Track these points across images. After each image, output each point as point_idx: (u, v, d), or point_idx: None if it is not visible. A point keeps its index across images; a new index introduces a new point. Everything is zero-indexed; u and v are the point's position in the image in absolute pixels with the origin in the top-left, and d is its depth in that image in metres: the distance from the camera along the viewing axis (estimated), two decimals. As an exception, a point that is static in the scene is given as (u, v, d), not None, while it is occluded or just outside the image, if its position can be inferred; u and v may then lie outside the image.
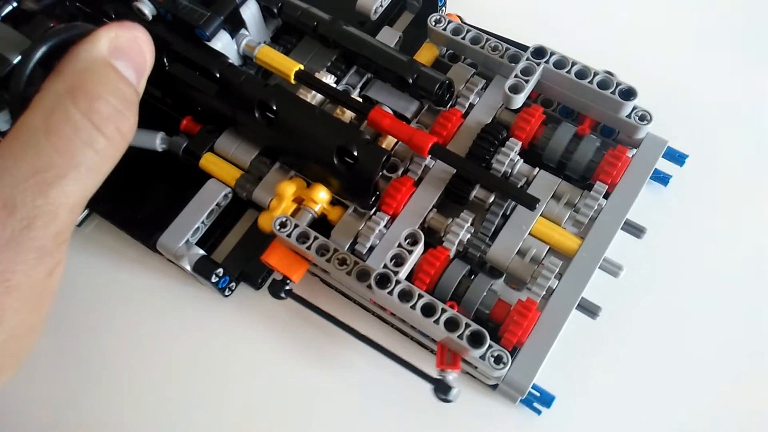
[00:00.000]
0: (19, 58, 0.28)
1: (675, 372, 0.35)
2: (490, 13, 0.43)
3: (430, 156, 0.34)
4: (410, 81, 0.36)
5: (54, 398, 0.36)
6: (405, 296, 0.30)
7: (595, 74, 0.34)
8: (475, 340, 0.29)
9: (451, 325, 0.29)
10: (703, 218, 0.39)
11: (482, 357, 0.30)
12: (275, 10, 0.38)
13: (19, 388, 0.36)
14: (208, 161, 0.37)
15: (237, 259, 0.38)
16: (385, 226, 0.34)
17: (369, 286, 0.31)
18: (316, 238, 0.33)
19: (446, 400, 0.31)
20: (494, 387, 0.34)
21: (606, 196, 0.34)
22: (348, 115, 0.37)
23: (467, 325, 0.29)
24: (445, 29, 0.38)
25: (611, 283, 0.34)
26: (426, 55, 0.40)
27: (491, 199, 0.35)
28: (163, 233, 0.35)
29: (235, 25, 0.37)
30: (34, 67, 0.26)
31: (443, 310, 0.30)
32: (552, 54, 0.35)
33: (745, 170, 0.40)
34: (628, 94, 0.34)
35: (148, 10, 0.35)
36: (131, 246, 0.39)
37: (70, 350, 0.37)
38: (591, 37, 0.45)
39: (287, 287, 0.34)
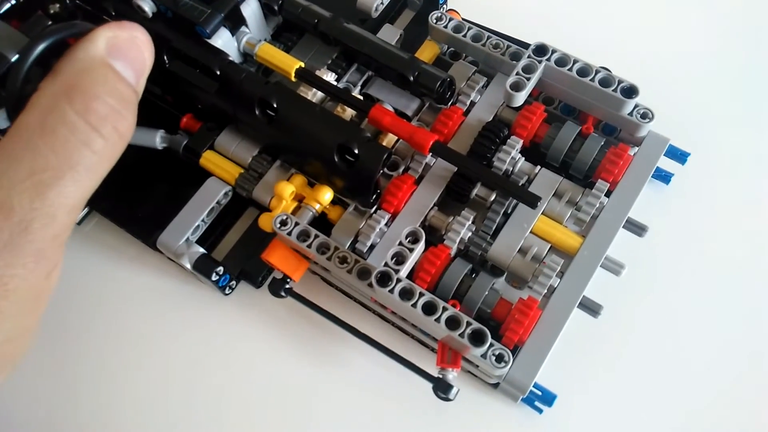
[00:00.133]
0: (17, 56, 0.27)
1: (676, 371, 0.35)
2: (490, 11, 0.43)
3: (431, 154, 0.34)
4: (411, 79, 0.36)
5: (53, 396, 0.36)
6: (406, 294, 0.30)
7: (597, 72, 0.34)
8: (477, 339, 0.29)
9: (452, 323, 0.29)
10: (704, 216, 0.39)
11: (483, 355, 0.30)
12: (276, 8, 0.38)
13: (18, 386, 0.36)
14: (209, 159, 0.37)
15: (237, 257, 0.37)
16: (385, 225, 0.34)
17: (370, 285, 0.31)
18: (316, 236, 0.33)
19: (446, 399, 0.31)
20: (495, 386, 0.34)
21: (607, 195, 0.34)
22: (349, 113, 0.37)
23: (468, 324, 0.29)
24: (446, 27, 0.38)
25: (613, 281, 0.34)
26: (427, 52, 0.40)
27: (492, 198, 0.35)
28: (163, 231, 0.35)
29: (235, 22, 0.37)
30: (31, 66, 0.26)
31: (444, 309, 0.30)
32: (553, 52, 0.35)
33: (746, 168, 0.40)
34: (630, 91, 0.34)
35: (148, 7, 0.35)
36: (131, 244, 0.39)
37: (69, 348, 0.37)
38: (592, 34, 0.45)
39: (287, 286, 0.34)
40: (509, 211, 0.35)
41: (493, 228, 0.34)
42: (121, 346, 0.37)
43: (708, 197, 0.40)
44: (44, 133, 0.23)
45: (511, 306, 0.32)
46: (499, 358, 0.30)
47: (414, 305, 0.30)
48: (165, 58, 0.36)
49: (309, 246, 0.33)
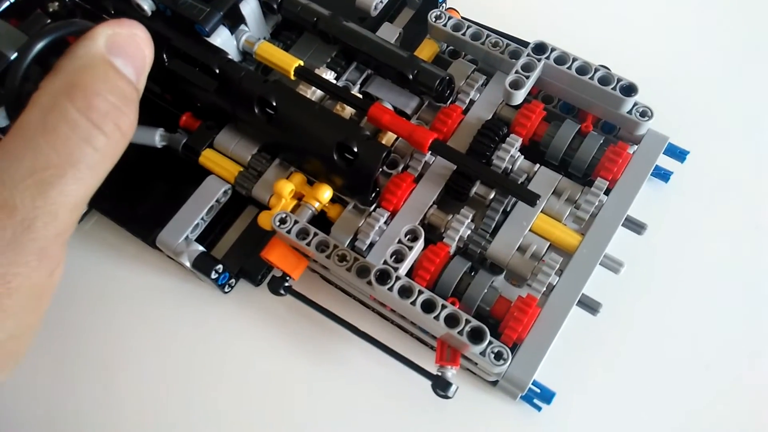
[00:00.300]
0: (16, 54, 0.27)
1: (675, 369, 0.35)
2: (489, 9, 0.43)
3: (430, 152, 0.34)
4: (410, 77, 0.36)
5: (53, 394, 0.36)
6: (405, 292, 0.30)
7: (596, 70, 0.34)
8: (475, 336, 0.29)
9: (451, 321, 0.29)
10: (703, 215, 0.39)
11: (482, 353, 0.30)
12: (275, 6, 0.38)
13: (18, 384, 0.36)
14: (208, 157, 0.37)
15: (237, 255, 0.37)
16: (385, 223, 0.34)
17: (369, 283, 0.31)
18: (316, 234, 0.33)
19: (445, 396, 0.31)
20: (494, 383, 0.34)
21: (607, 193, 0.34)
22: (348, 111, 0.37)
23: (467, 321, 0.29)
24: (445, 25, 0.38)
25: (612, 279, 0.34)
26: (426, 51, 0.40)
27: (492, 196, 0.35)
28: (162, 230, 0.35)
29: (234, 20, 0.37)
30: (30, 64, 0.26)
31: (443, 306, 0.30)
32: (553, 50, 0.35)
33: (745, 166, 0.40)
34: (629, 90, 0.34)
35: (147, 5, 0.35)
36: (131, 242, 0.39)
37: (69, 346, 0.37)
38: (592, 33, 0.45)
39: (287, 284, 0.34)
40: (508, 209, 0.35)
41: (493, 226, 0.34)
42: (121, 344, 0.37)
43: (707, 195, 0.40)
44: (45, 131, 0.23)
45: (510, 304, 0.32)
46: (498, 356, 0.30)
47: (413, 303, 0.30)
48: (164, 56, 0.36)
49: (308, 244, 0.33)
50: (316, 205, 0.35)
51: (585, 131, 0.36)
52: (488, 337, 0.29)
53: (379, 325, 0.36)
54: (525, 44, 0.36)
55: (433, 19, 0.38)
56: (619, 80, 0.34)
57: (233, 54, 0.37)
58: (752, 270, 0.38)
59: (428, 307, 0.30)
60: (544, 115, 0.36)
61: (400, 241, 0.32)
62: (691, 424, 0.34)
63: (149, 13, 0.35)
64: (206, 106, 0.37)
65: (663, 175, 0.39)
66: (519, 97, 0.34)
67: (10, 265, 0.22)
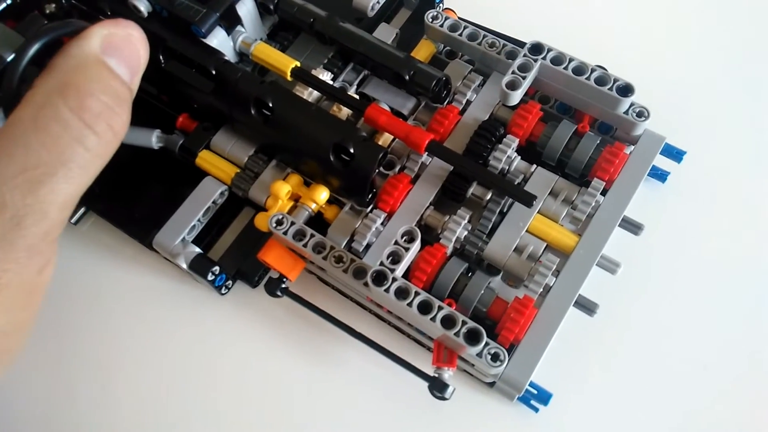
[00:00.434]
0: (13, 55, 0.27)
1: (672, 370, 0.35)
2: (486, 10, 0.43)
3: (426, 153, 0.34)
4: (407, 78, 0.36)
5: (49, 395, 0.36)
6: (401, 294, 0.30)
7: (593, 70, 0.34)
8: (472, 338, 0.29)
9: (448, 322, 0.29)
10: (700, 215, 0.39)
11: (479, 354, 0.30)
12: (271, 7, 0.38)
13: (14, 385, 0.36)
14: (204, 159, 0.37)
15: (233, 257, 0.37)
16: (381, 224, 0.34)
17: (365, 284, 0.31)
18: (312, 235, 0.33)
19: (442, 398, 0.31)
20: (491, 385, 0.34)
21: (603, 193, 0.34)
22: (345, 112, 0.37)
23: (464, 323, 0.29)
24: (442, 26, 0.38)
25: (608, 280, 0.34)
26: (423, 51, 0.40)
27: (488, 197, 0.35)
28: (159, 231, 0.35)
29: (231, 21, 0.37)
30: (27, 65, 0.26)
31: (440, 308, 0.29)
32: (549, 50, 0.35)
33: (742, 167, 0.40)
34: (626, 90, 0.34)
35: (143, 6, 0.35)
36: (127, 244, 0.39)
37: (66, 347, 0.37)
38: (588, 33, 0.45)
39: (283, 285, 0.34)
40: (505, 210, 0.35)
41: (489, 227, 0.34)
42: (118, 346, 0.37)
43: (704, 195, 0.40)
44: (37, 130, 0.23)
45: (507, 305, 0.32)
46: (495, 357, 0.30)
47: (409, 304, 0.30)
48: (161, 57, 0.36)
49: (305, 245, 0.33)
50: (313, 206, 0.35)
51: (582, 131, 0.36)
52: (485, 339, 0.29)
53: (376, 326, 0.36)
54: (521, 45, 0.36)
55: (430, 20, 0.38)
56: (615, 80, 0.34)
57: (230, 55, 0.37)
58: (749, 270, 0.38)
59: (425, 308, 0.30)
60: (540, 116, 0.36)
61: (396, 243, 0.32)
62: (688, 424, 0.34)
63: (145, 14, 0.35)
64: (203, 107, 0.37)
65: (660, 175, 0.39)
66: (516, 97, 0.34)
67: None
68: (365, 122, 0.35)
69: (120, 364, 0.37)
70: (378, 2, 0.41)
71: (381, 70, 0.37)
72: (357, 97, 0.37)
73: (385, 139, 0.36)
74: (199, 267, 0.35)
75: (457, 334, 0.29)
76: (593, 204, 0.34)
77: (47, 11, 0.37)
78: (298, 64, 0.36)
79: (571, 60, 0.34)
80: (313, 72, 0.37)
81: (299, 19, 0.38)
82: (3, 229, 0.22)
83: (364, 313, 0.37)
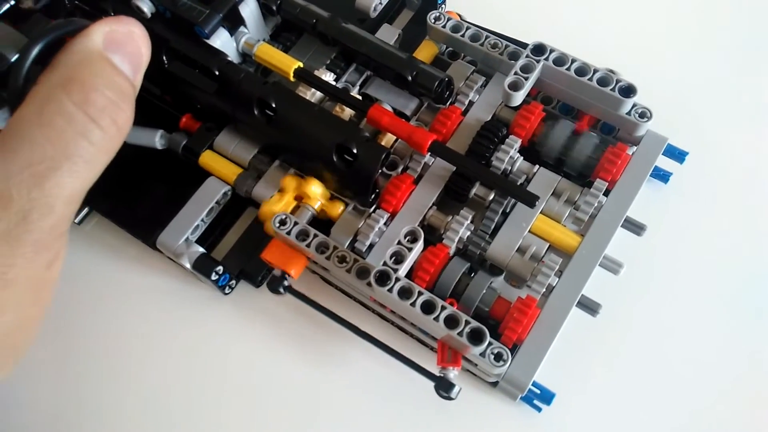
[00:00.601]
0: (17, 56, 0.27)
1: (675, 370, 0.35)
2: (489, 11, 0.43)
3: (429, 153, 0.34)
4: (409, 78, 0.36)
5: (53, 394, 0.36)
6: (404, 294, 0.30)
7: (595, 71, 0.34)
8: (475, 338, 0.29)
9: (451, 322, 0.29)
10: (703, 215, 0.39)
11: (482, 354, 0.30)
12: (274, 8, 0.38)
13: (18, 384, 0.36)
14: (208, 159, 0.37)
15: (237, 257, 0.38)
16: (384, 224, 0.34)
17: (369, 284, 0.31)
18: (315, 235, 0.33)
19: (448, 398, 0.31)
20: (494, 384, 0.34)
21: (606, 194, 0.34)
22: (347, 112, 0.37)
23: (467, 323, 0.29)
24: (444, 26, 0.38)
25: (611, 280, 0.34)
26: (425, 52, 0.40)
27: (491, 197, 0.35)
28: (162, 231, 0.35)
29: (234, 22, 0.37)
30: (31, 64, 0.26)
31: (443, 308, 0.30)
32: (552, 51, 0.35)
33: (744, 167, 0.40)
34: (628, 91, 0.34)
35: (146, 7, 0.35)
36: (131, 244, 0.39)
37: (70, 347, 0.37)
38: (591, 34, 0.45)
39: (286, 283, 0.34)
40: (508, 211, 0.35)
41: (492, 227, 0.34)
42: (122, 345, 0.37)
43: (706, 196, 0.40)
44: (41, 124, 0.23)
45: (510, 305, 0.32)
46: (498, 357, 0.30)
47: (413, 304, 0.30)
48: (164, 58, 0.36)
49: (308, 245, 0.33)
50: (316, 206, 0.35)
51: (580, 130, 0.36)
52: (488, 338, 0.29)
53: (380, 326, 0.36)
54: (524, 45, 0.36)
55: (432, 21, 0.38)
56: (618, 81, 0.34)
57: (233, 56, 0.37)
58: (751, 270, 0.38)
59: (428, 308, 0.30)
60: (543, 116, 0.36)
61: (399, 243, 0.32)
62: (691, 424, 0.34)
63: (149, 14, 0.35)
64: (206, 107, 0.37)
65: (662, 176, 0.39)
66: (518, 98, 0.34)
67: (5, 257, 0.22)
68: (368, 123, 0.35)
69: (124, 364, 0.37)
70: (380, 3, 0.41)
71: (383, 70, 0.37)
72: (360, 97, 0.37)
73: (387, 139, 0.36)
74: (202, 267, 0.35)
75: (460, 333, 0.29)
76: (596, 204, 0.34)
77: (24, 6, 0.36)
78: (301, 64, 0.36)
79: (573, 61, 0.34)
80: (316, 73, 0.37)
81: (302, 20, 0.38)
82: (9, 224, 0.22)
83: (367, 312, 0.37)
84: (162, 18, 0.36)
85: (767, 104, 0.42)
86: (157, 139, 0.38)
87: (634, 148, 0.36)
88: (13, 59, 0.28)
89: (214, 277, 0.36)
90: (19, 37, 0.30)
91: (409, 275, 0.33)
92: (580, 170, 0.35)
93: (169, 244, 0.35)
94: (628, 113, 0.35)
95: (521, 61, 0.35)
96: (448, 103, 0.37)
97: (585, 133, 0.36)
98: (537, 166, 0.35)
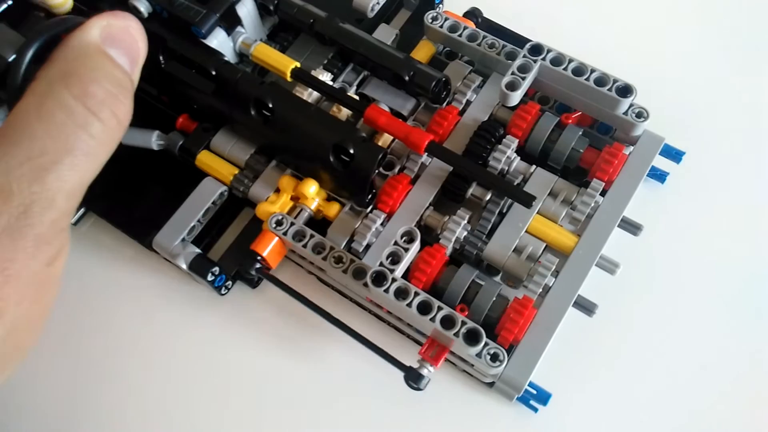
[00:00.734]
0: (14, 55, 0.27)
1: (672, 370, 0.35)
2: (490, 11, 0.43)
3: (426, 154, 0.34)
4: (406, 78, 0.36)
5: (50, 395, 0.36)
6: (401, 294, 0.30)
7: (592, 71, 0.34)
8: (471, 338, 0.29)
9: (447, 323, 0.29)
10: (700, 215, 0.39)
11: (478, 355, 0.30)
12: (271, 8, 0.38)
13: (17, 385, 0.36)
14: (204, 159, 0.37)
15: (233, 257, 0.37)
16: (381, 224, 0.34)
17: (365, 284, 0.31)
18: (312, 236, 0.33)
19: (417, 389, 0.31)
20: (491, 385, 0.34)
21: (603, 194, 0.34)
22: (344, 112, 0.37)
23: (463, 323, 0.29)
24: (441, 27, 0.38)
25: (608, 280, 0.34)
26: (423, 52, 0.40)
27: (488, 197, 0.35)
28: (159, 232, 0.35)
29: (231, 22, 0.37)
30: (29, 63, 0.26)
31: (439, 308, 0.30)
32: (549, 51, 0.35)
33: (741, 167, 0.40)
34: (625, 91, 0.34)
35: (143, 7, 0.35)
36: (127, 244, 0.39)
37: (66, 348, 0.37)
38: (588, 34, 0.45)
39: (257, 266, 0.34)
40: (504, 211, 0.35)
41: (489, 227, 0.34)
42: (118, 346, 0.37)
43: (703, 196, 0.40)
44: (41, 118, 0.23)
45: (507, 305, 0.32)
46: (494, 358, 0.30)
47: (409, 305, 0.30)
48: (161, 58, 0.36)
49: (304, 246, 0.33)
50: (313, 206, 0.35)
51: (564, 123, 0.36)
52: (484, 339, 0.29)
53: (375, 326, 0.36)
54: (521, 45, 0.36)
55: (430, 21, 0.38)
56: (615, 81, 0.34)
57: (230, 56, 0.37)
58: (749, 270, 0.38)
59: (424, 308, 0.30)
60: (540, 117, 0.36)
61: (396, 243, 0.32)
62: (688, 424, 0.34)
63: (146, 14, 0.35)
64: (203, 108, 0.37)
65: (659, 175, 0.39)
66: (515, 98, 0.34)
67: (6, 252, 0.22)
68: (365, 123, 0.35)
69: (120, 364, 0.37)
70: (378, 3, 0.41)
71: (381, 70, 0.37)
72: (357, 97, 0.37)
73: (384, 139, 0.36)
74: (198, 267, 0.35)
75: (456, 334, 0.29)
76: (592, 204, 0.34)
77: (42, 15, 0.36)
78: (298, 64, 0.36)
79: (570, 61, 0.35)
80: (313, 73, 0.37)
81: (299, 20, 0.38)
82: (10, 218, 0.22)
83: (363, 313, 0.37)
84: (159, 18, 0.36)
85: (764, 104, 0.42)
86: (153, 140, 0.38)
87: (631, 147, 0.36)
88: (10, 59, 0.28)
89: (210, 277, 0.35)
90: (17, 36, 0.30)
91: (405, 276, 0.33)
92: (563, 164, 0.35)
93: (165, 244, 0.35)
94: (625, 113, 0.35)
95: (518, 61, 0.35)
96: (445, 103, 0.37)
97: (569, 126, 0.36)
98: (534, 167, 0.35)
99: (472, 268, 0.33)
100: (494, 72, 0.38)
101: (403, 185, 0.35)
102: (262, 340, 0.37)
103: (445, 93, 0.37)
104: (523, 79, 0.34)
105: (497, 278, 0.35)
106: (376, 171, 0.34)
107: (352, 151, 0.33)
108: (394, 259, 0.31)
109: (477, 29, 0.38)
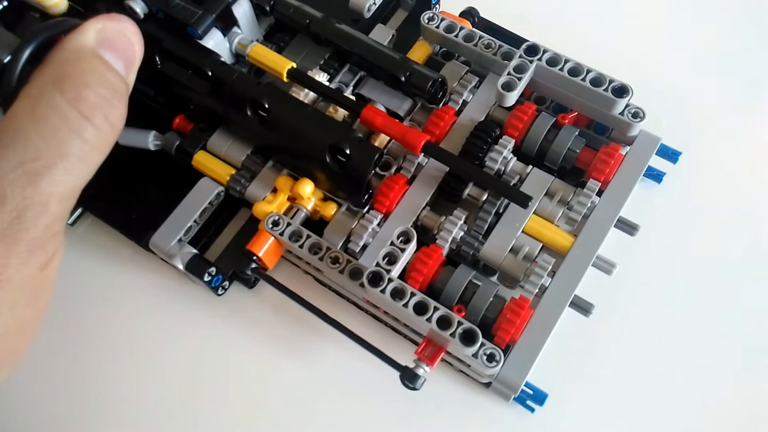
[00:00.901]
0: (9, 57, 0.27)
1: (668, 370, 0.35)
2: (488, 10, 0.43)
3: (423, 154, 0.34)
4: (403, 79, 0.36)
5: (48, 396, 0.36)
6: (397, 294, 0.30)
7: (588, 72, 0.34)
8: (468, 339, 0.29)
9: (444, 323, 0.29)
10: (696, 215, 0.39)
11: (475, 355, 0.30)
12: (267, 8, 0.38)
13: (13, 387, 0.36)
14: (201, 160, 0.37)
15: (230, 258, 0.37)
16: (378, 225, 0.34)
17: (362, 285, 0.31)
18: (308, 236, 0.33)
19: (413, 388, 0.31)
20: (487, 385, 0.34)
21: (599, 194, 0.34)
22: (341, 113, 0.37)
23: (459, 323, 0.29)
24: (438, 27, 0.38)
25: (604, 280, 0.34)
26: (419, 53, 0.40)
27: (484, 197, 0.35)
28: (155, 232, 0.35)
29: (227, 23, 0.37)
30: (24, 65, 0.26)
31: (435, 308, 0.30)
32: (545, 51, 0.35)
33: (738, 167, 0.40)
34: (621, 91, 0.34)
35: (139, 8, 0.35)
36: (124, 245, 0.39)
37: (62, 348, 0.37)
38: (585, 34, 0.45)
39: (254, 265, 0.34)
40: (501, 211, 0.35)
41: (485, 227, 0.34)
42: (115, 346, 0.37)
43: (700, 196, 0.40)
44: (34, 121, 0.23)
45: (503, 305, 0.32)
46: (491, 358, 0.30)
47: (405, 305, 0.30)
48: (157, 59, 0.36)
49: (301, 246, 0.33)
50: (309, 206, 0.35)
51: (561, 124, 0.36)
52: (480, 339, 0.29)
53: (372, 326, 0.36)
54: (518, 45, 0.36)
55: (426, 21, 0.38)
56: (611, 81, 0.34)
57: (226, 56, 0.37)
58: (745, 270, 0.38)
59: (420, 309, 0.30)
60: (536, 117, 0.36)
61: (392, 243, 0.32)
62: (686, 424, 0.34)
63: (141, 15, 0.35)
64: (199, 108, 0.37)
65: (655, 176, 0.39)
66: (511, 98, 0.34)
67: (0, 257, 0.22)
68: (361, 123, 0.35)
69: (116, 365, 0.37)
70: (374, 3, 0.41)
71: (377, 71, 0.37)
72: (353, 98, 0.37)
73: (381, 140, 0.36)
74: (195, 268, 0.35)
75: (452, 334, 0.29)
76: (589, 205, 0.34)
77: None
78: (294, 65, 0.36)
79: (566, 61, 0.35)
80: (309, 73, 0.37)
81: (295, 21, 0.38)
82: (3, 223, 0.22)
83: (360, 313, 0.37)
84: (155, 18, 0.36)
85: (760, 104, 0.42)
86: (150, 140, 0.38)
87: (628, 148, 0.36)
88: (5, 60, 0.28)
89: (206, 278, 0.35)
90: (12, 38, 0.30)
91: (402, 276, 0.33)
92: (560, 164, 0.35)
93: (162, 245, 0.35)
94: (621, 113, 0.35)
95: (515, 62, 0.35)
96: (442, 104, 0.37)
97: (565, 126, 0.36)
98: (530, 167, 0.35)
99: (469, 268, 0.33)
100: (490, 72, 0.38)
101: (400, 186, 0.35)
102: (259, 341, 0.37)
103: (441, 93, 0.37)
104: (520, 79, 0.34)
105: (494, 278, 0.35)
106: (373, 171, 0.34)
107: (348, 152, 0.33)
108: (391, 259, 0.31)
109: (473, 29, 0.38)
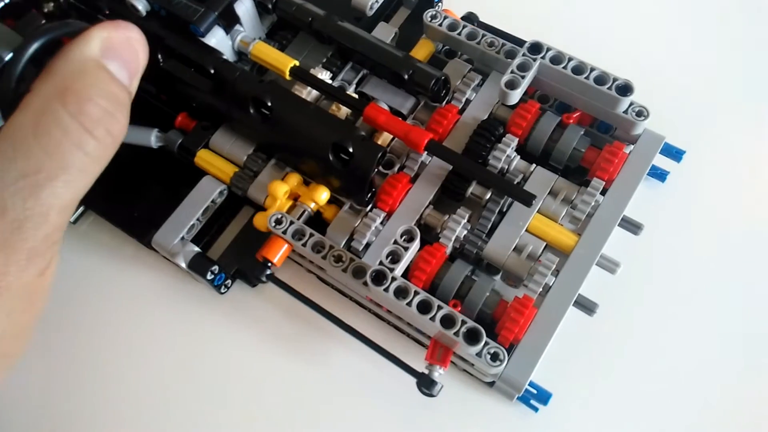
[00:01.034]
0: (10, 55, 0.27)
1: (672, 369, 0.35)
2: (485, 10, 0.43)
3: (426, 152, 0.34)
4: (406, 77, 0.36)
5: (48, 395, 0.36)
6: (401, 293, 0.30)
7: (592, 70, 0.34)
8: (472, 338, 0.29)
9: (448, 322, 0.29)
10: (700, 214, 0.39)
11: (479, 354, 0.30)
12: (270, 6, 0.38)
13: (14, 385, 0.36)
14: (203, 158, 0.37)
15: (232, 256, 0.37)
16: (381, 223, 0.34)
17: (365, 283, 0.31)
18: (311, 235, 0.33)
19: (429, 395, 0.31)
20: (491, 384, 0.34)
21: (603, 193, 0.34)
22: (344, 111, 0.37)
23: (463, 322, 0.29)
24: (441, 25, 0.38)
25: (608, 279, 0.34)
26: (422, 51, 0.39)
27: (488, 196, 0.35)
28: (158, 231, 0.35)
29: (229, 20, 0.36)
30: (25, 65, 0.26)
31: (439, 307, 0.29)
32: (548, 50, 0.35)
33: (742, 166, 0.40)
34: (625, 89, 0.34)
35: (141, 5, 0.35)
36: (127, 243, 0.39)
37: (66, 347, 0.37)
38: (588, 33, 0.45)
39: (268, 272, 0.34)
40: (504, 210, 0.35)
41: (489, 226, 0.34)
42: (117, 345, 0.37)
43: (704, 195, 0.40)
44: (37, 134, 0.23)
45: (507, 304, 0.32)
46: (495, 357, 0.30)
47: (409, 304, 0.30)
48: (159, 57, 0.35)
49: (304, 245, 0.33)
50: (312, 205, 0.35)
51: (566, 123, 0.36)
52: (484, 338, 0.29)
53: (375, 325, 0.36)
54: (521, 44, 0.36)
55: (429, 19, 0.38)
56: (614, 80, 0.34)
57: (228, 54, 0.37)
58: (750, 269, 0.37)
59: (424, 308, 0.30)
60: (540, 115, 0.36)
61: (396, 242, 0.32)
62: (689, 423, 0.34)
63: (144, 13, 0.35)
64: (201, 106, 0.37)
65: (659, 174, 0.39)
66: (515, 96, 0.34)
67: (0, 266, 0.22)
68: (364, 121, 0.35)
69: (119, 363, 0.37)
70: (377, 1, 0.41)
71: (380, 69, 0.37)
72: (356, 96, 0.37)
73: (384, 138, 0.36)
74: (198, 266, 0.35)
75: (456, 333, 0.29)
76: (593, 203, 0.34)
77: (45, 10, 0.36)
78: (297, 63, 0.36)
79: (570, 59, 0.34)
80: (312, 71, 0.37)
81: (298, 18, 0.38)
82: (3, 233, 0.22)
83: (363, 312, 0.37)
84: (157, 16, 0.35)
85: (765, 102, 0.42)
86: (152, 138, 0.37)
87: (632, 146, 0.36)
88: (7, 58, 0.28)
89: (209, 276, 0.35)
90: (13, 35, 0.30)
91: (405, 275, 0.33)
92: (565, 163, 0.35)
93: (164, 243, 0.35)
94: (625, 112, 0.35)
95: (518, 60, 0.35)
96: (445, 102, 0.37)
97: (570, 126, 0.35)
98: (534, 165, 0.35)
99: (465, 263, 0.33)
100: (494, 70, 0.38)
101: (403, 184, 0.34)
102: (262, 339, 0.37)
103: (444, 91, 0.37)
104: (523, 77, 0.34)
105: (497, 277, 0.35)
106: (376, 170, 0.33)
107: (351, 150, 0.33)
108: (394, 258, 0.31)
109: (476, 28, 0.38)
